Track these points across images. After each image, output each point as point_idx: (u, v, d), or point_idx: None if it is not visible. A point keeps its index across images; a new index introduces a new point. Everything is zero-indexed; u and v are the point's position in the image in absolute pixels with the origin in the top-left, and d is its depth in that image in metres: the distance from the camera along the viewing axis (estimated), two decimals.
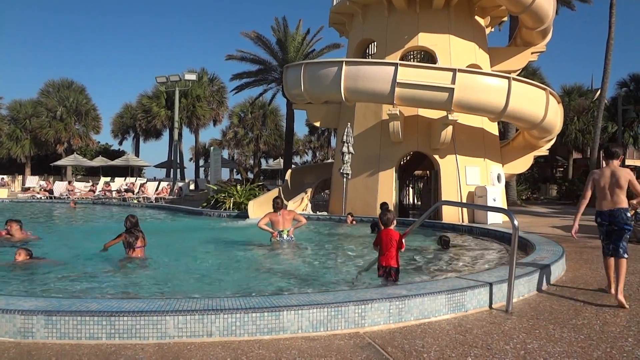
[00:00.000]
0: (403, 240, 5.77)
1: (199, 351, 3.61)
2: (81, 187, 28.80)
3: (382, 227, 5.98)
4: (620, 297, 5.06)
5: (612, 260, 5.55)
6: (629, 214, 5.59)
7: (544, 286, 5.84)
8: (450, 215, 15.48)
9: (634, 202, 6.13)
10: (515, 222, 4.85)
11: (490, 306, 4.89)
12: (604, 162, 6.12)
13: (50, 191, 27.22)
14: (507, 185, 21.60)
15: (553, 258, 6.55)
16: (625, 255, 5.43)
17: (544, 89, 15.63)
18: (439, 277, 6.54)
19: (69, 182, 29.97)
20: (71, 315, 3.76)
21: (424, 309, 4.44)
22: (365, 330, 4.14)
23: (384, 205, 11.55)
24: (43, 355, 3.50)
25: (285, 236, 9.51)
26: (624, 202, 5.56)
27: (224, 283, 6.36)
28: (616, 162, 5.70)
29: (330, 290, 5.28)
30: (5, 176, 37.62)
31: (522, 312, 4.79)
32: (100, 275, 6.60)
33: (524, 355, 3.63)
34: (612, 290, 5.41)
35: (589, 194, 5.89)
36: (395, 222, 6.02)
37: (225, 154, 54.97)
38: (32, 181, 34.55)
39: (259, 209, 14.88)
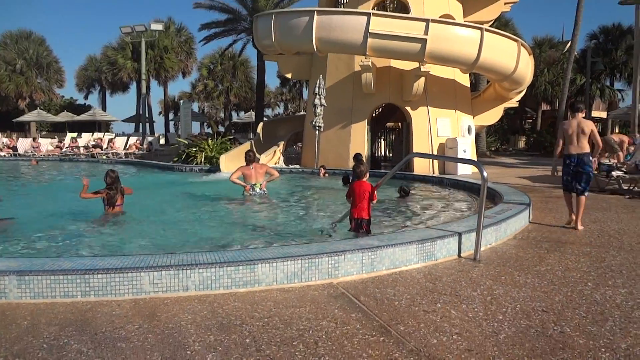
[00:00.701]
0: (375, 192, 5.85)
1: (175, 305, 3.65)
2: (47, 143, 28.02)
3: (355, 179, 6.03)
4: (579, 225, 6.55)
5: (572, 195, 6.78)
6: (591, 158, 6.77)
7: (511, 235, 6.05)
8: (421, 167, 15.69)
9: (595, 156, 7.35)
10: (484, 174, 4.96)
11: (459, 255, 5.05)
12: (570, 115, 7.57)
13: (14, 148, 26.42)
14: (477, 136, 21.93)
15: (520, 208, 6.75)
16: (586, 194, 6.70)
17: (515, 41, 15.66)
18: (409, 228, 6.69)
19: (34, 139, 29.09)
20: (44, 274, 3.73)
21: (396, 258, 4.56)
22: (339, 280, 4.24)
23: (357, 157, 11.59)
24: (18, 315, 3.49)
25: (257, 190, 9.52)
26: (587, 148, 6.75)
27: (197, 238, 6.38)
28: (581, 115, 6.86)
29: (304, 243, 5.35)
30: None
31: (489, 260, 4.97)
32: (78, 233, 6.54)
33: (490, 300, 3.79)
34: (573, 217, 6.74)
35: (561, 141, 7.00)
36: (367, 174, 6.07)
37: (195, 107, 53.96)
38: None
39: (230, 163, 14.78)
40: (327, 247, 4.46)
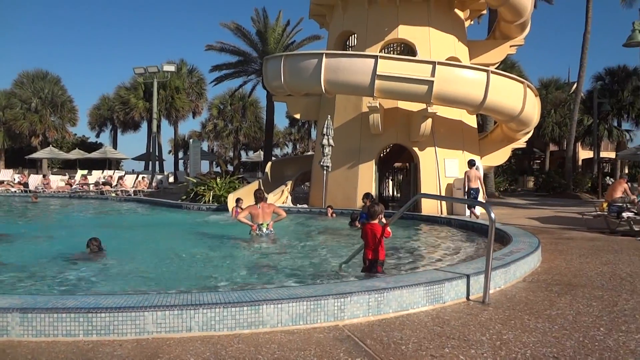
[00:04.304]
0: (388, 228, 5.82)
1: (178, 346, 3.59)
2: (57, 180, 28.31)
3: (369, 219, 6.02)
4: None
5: None
6: None
7: (520, 278, 5.95)
8: (429, 207, 15.62)
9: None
10: (492, 215, 4.92)
11: (467, 297, 4.96)
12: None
13: (25, 184, 26.72)
14: (485, 177, 21.89)
15: (529, 250, 6.66)
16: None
17: (521, 82, 15.82)
18: (416, 270, 6.62)
19: (44, 176, 29.43)
20: (47, 312, 3.70)
21: (403, 301, 4.48)
22: (345, 323, 4.17)
23: (369, 196, 11.58)
24: (19, 353, 3.44)
25: (264, 229, 9.48)
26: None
27: (202, 278, 6.34)
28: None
29: (310, 284, 5.29)
30: None
31: (498, 303, 4.87)
32: (75, 273, 6.52)
33: (499, 345, 3.69)
34: None
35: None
36: (382, 215, 6.06)
37: (204, 146, 54.59)
38: (7, 174, 33.81)
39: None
40: (333, 289, 4.40)
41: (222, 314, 3.87)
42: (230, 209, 14.35)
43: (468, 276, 4.98)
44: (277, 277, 6.33)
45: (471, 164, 14.18)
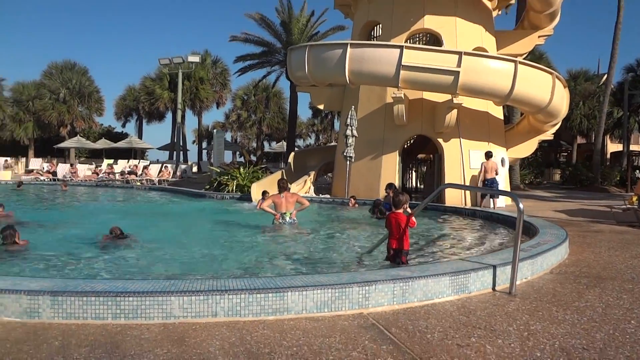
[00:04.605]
0: (413, 218, 5.78)
1: (204, 331, 3.63)
2: (84, 169, 28.85)
3: (393, 208, 5.99)
4: None
5: None
6: None
7: (547, 269, 5.85)
8: (453, 198, 15.45)
9: None
10: (521, 205, 4.83)
11: (493, 288, 4.90)
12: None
13: (54, 173, 27.29)
14: (511, 169, 21.57)
15: (556, 241, 6.54)
16: None
17: (550, 73, 15.49)
18: (441, 260, 6.56)
19: (71, 165, 30.02)
20: (77, 295, 3.77)
21: (428, 290, 4.45)
22: (369, 311, 4.16)
23: (391, 186, 11.52)
24: (49, 335, 3.52)
25: (287, 218, 9.52)
26: None
27: (227, 264, 6.39)
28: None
29: (334, 272, 5.29)
30: (8, 158, 37.69)
31: (525, 294, 4.80)
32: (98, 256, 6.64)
33: (527, 336, 3.64)
34: None
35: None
36: (407, 205, 6.01)
37: (228, 136, 54.92)
38: (36, 163, 34.65)
39: (261, 191, 14.88)
40: (357, 277, 4.39)
41: (247, 300, 3.89)
42: (253, 198, 14.44)
43: (494, 267, 4.92)
44: (300, 265, 6.34)
45: (488, 155, 14.44)
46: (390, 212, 6.10)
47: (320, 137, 63.67)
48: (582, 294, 4.84)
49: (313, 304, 4.03)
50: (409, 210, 6.08)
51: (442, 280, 4.53)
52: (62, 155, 45.93)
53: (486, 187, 13.99)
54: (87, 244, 7.46)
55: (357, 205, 13.86)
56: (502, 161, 16.89)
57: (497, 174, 14.06)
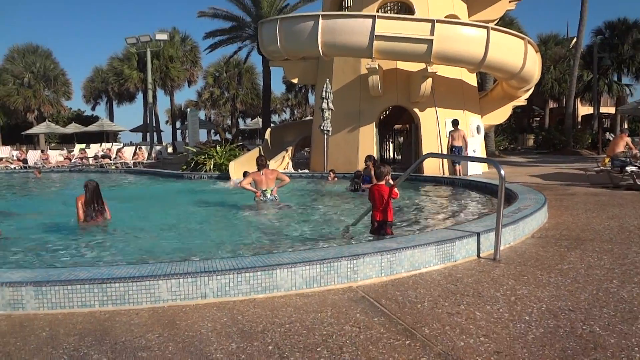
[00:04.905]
0: (395, 189, 5.79)
1: (195, 313, 3.60)
2: (56, 154, 28.17)
3: (375, 180, 5.99)
4: None
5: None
6: None
7: (529, 234, 5.96)
8: (432, 168, 15.58)
9: None
10: (502, 172, 4.88)
11: (478, 255, 4.97)
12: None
13: (24, 161, 26.59)
14: (486, 136, 21.76)
15: (536, 206, 6.65)
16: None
17: (522, 38, 15.55)
18: (426, 230, 6.62)
19: (42, 151, 29.28)
20: (62, 284, 3.69)
21: (415, 260, 4.49)
22: (358, 284, 4.18)
23: (370, 158, 11.54)
24: (36, 326, 3.45)
25: (269, 195, 9.46)
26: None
27: (211, 245, 6.34)
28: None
29: (322, 247, 5.30)
30: None
31: (509, 259, 4.88)
32: (75, 245, 6.52)
33: (514, 300, 3.71)
34: None
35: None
36: (389, 177, 6.01)
37: (202, 115, 54.10)
38: (4, 151, 33.64)
39: (240, 169, 14.76)
40: (345, 251, 4.39)
41: (236, 280, 3.87)
42: (232, 177, 14.34)
43: (478, 234, 4.98)
44: (285, 241, 6.34)
45: (455, 123, 14.57)
46: (373, 185, 6.10)
47: (295, 111, 63.21)
48: (564, 257, 4.95)
49: (302, 280, 4.03)
50: (391, 182, 6.08)
51: (428, 250, 4.57)
52: (32, 142, 44.68)
53: (453, 153, 14.16)
54: (68, 231, 7.30)
55: (336, 179, 13.87)
56: (478, 128, 17.05)
57: (465, 141, 14.21)
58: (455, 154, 13.96)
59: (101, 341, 3.17)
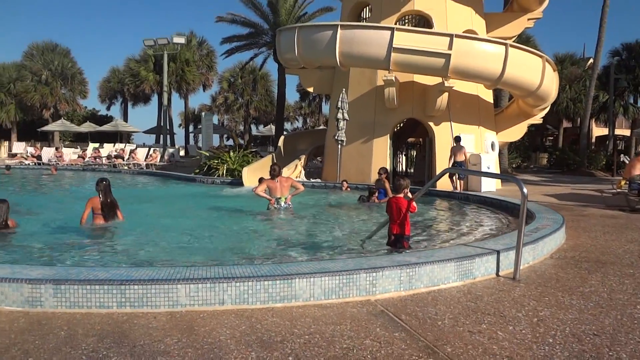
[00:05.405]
0: (413, 203, 5.75)
1: (213, 319, 3.57)
2: (70, 153, 28.39)
3: (391, 192, 5.96)
4: None
5: None
6: None
7: (547, 254, 5.88)
8: (444, 182, 15.46)
9: None
10: (525, 190, 4.82)
11: (497, 274, 4.90)
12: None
13: (39, 157, 26.83)
14: (500, 153, 21.66)
15: (555, 226, 6.57)
16: None
17: (540, 56, 15.50)
18: (442, 245, 6.56)
19: (57, 149, 29.52)
20: (80, 284, 3.69)
21: (434, 276, 4.44)
22: (377, 297, 4.13)
23: (385, 170, 11.53)
24: (54, 324, 3.44)
25: (282, 203, 9.44)
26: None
27: (226, 251, 6.31)
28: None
29: (341, 258, 5.25)
30: None
31: (529, 279, 4.81)
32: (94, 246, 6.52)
33: (537, 322, 3.64)
34: None
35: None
36: (408, 190, 5.98)
37: (215, 119, 54.36)
38: (19, 147, 34.03)
39: (252, 175, 14.78)
40: (364, 263, 4.35)
41: (255, 288, 3.84)
42: (245, 183, 14.36)
43: (498, 252, 4.92)
44: (301, 251, 6.29)
45: (457, 140, 14.67)
46: (390, 197, 6.06)
47: (308, 120, 63.35)
48: (585, 279, 4.87)
49: (321, 290, 3.99)
50: (409, 195, 6.04)
51: (447, 266, 4.52)
52: (46, 138, 45.08)
53: (472, 170, 14.42)
54: (80, 231, 7.31)
55: (349, 189, 13.83)
56: (492, 145, 16.95)
57: (466, 157, 14.48)
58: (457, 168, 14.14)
59: (120, 343, 3.15)
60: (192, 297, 3.77)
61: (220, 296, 3.80)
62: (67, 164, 25.42)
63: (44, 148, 29.95)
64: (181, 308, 3.75)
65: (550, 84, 16.14)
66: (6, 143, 41.34)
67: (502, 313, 3.83)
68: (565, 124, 43.49)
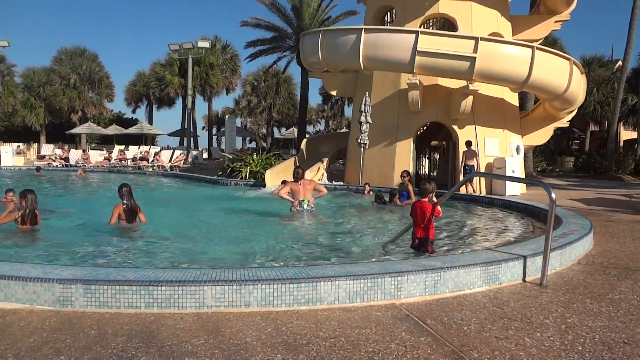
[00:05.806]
0: (438, 207, 5.73)
1: (239, 321, 3.61)
2: (96, 155, 28.94)
3: (416, 197, 5.94)
4: None
5: None
6: None
7: (575, 260, 5.78)
8: (467, 187, 15.33)
9: None
10: (553, 195, 4.77)
11: (523, 279, 4.84)
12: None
13: (66, 159, 27.40)
14: (525, 157, 21.36)
15: (582, 232, 6.46)
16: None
17: (567, 59, 15.27)
18: (466, 250, 6.50)
19: (84, 151, 30.12)
20: (110, 284, 3.76)
21: (459, 281, 4.40)
22: (402, 301, 4.12)
23: (408, 173, 11.52)
24: (84, 324, 3.51)
25: (305, 206, 9.46)
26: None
27: (250, 253, 6.35)
28: None
29: (366, 262, 5.25)
30: (20, 144, 37.86)
31: (556, 285, 4.74)
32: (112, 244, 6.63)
33: (565, 329, 3.59)
34: None
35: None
36: (433, 194, 5.96)
37: (238, 122, 54.81)
38: (48, 149, 34.75)
39: (275, 178, 14.87)
40: (389, 267, 4.34)
41: (280, 290, 3.86)
42: (267, 185, 14.45)
43: (524, 257, 4.86)
44: (325, 253, 6.31)
45: (468, 144, 15.01)
46: (415, 201, 6.05)
47: (330, 123, 63.40)
48: (614, 286, 4.77)
49: (345, 294, 4.00)
50: (434, 199, 6.01)
51: (473, 270, 4.48)
52: (73, 141, 46.03)
53: (465, 172, 14.60)
54: (106, 231, 7.46)
55: (371, 192, 13.78)
56: (518, 148, 16.74)
57: (477, 161, 14.77)
58: (467, 172, 14.31)
59: (148, 344, 3.20)
60: (218, 299, 3.81)
61: (246, 298, 3.84)
62: (93, 166, 25.91)
63: (72, 150, 30.58)
64: (207, 309, 3.79)
65: (578, 87, 15.88)
66: (35, 145, 42.32)
67: (529, 319, 3.78)
68: (592, 127, 42.67)
